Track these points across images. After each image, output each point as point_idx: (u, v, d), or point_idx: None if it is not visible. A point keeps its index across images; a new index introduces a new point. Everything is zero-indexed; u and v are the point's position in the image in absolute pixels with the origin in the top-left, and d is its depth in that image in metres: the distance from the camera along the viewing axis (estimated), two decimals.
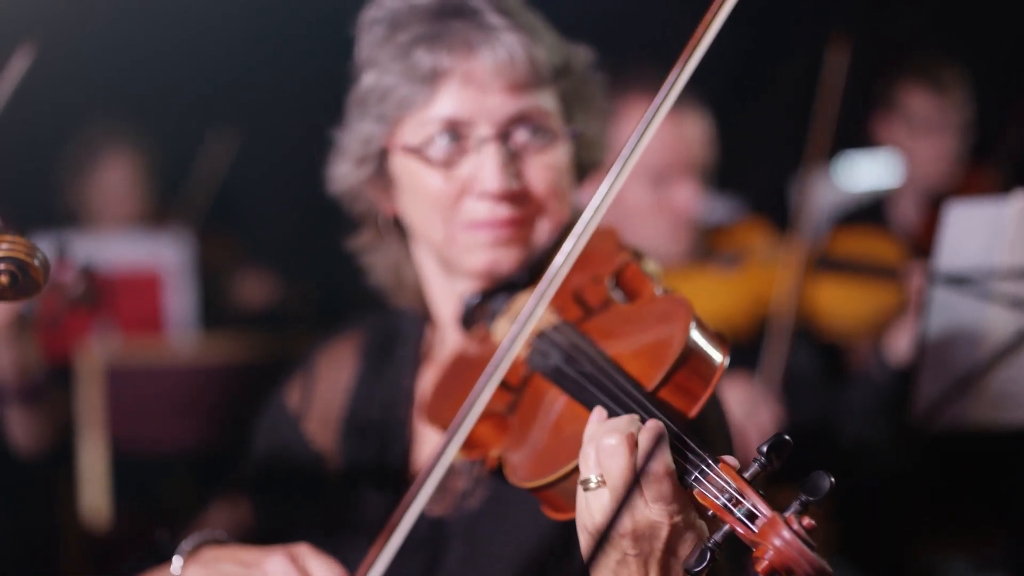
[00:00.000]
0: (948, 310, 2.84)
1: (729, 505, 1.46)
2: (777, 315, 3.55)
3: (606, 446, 1.53)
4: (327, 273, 6.16)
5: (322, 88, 5.91)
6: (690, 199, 3.52)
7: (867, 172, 5.91)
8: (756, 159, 6.03)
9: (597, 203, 1.62)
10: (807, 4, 6.33)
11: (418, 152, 2.01)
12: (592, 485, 1.55)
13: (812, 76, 3.80)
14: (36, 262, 1.86)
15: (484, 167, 1.98)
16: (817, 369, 3.70)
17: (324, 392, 2.24)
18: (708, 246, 3.78)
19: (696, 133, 3.57)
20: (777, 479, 1.59)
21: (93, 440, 4.25)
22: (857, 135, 4.88)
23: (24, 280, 1.87)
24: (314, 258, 6.23)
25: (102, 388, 4.32)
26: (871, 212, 4.65)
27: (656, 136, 3.63)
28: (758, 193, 5.23)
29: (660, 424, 1.54)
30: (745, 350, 3.50)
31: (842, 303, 3.82)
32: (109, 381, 4.35)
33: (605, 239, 2.00)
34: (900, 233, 4.37)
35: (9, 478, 3.13)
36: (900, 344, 3.44)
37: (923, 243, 3.99)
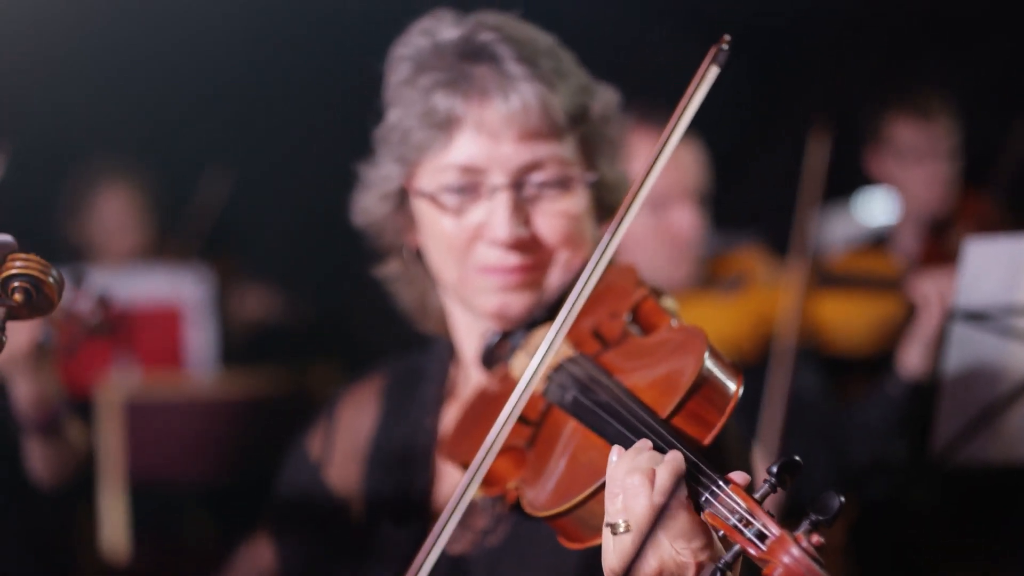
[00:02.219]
0: (967, 346, 2.83)
1: (739, 526, 1.47)
2: (781, 336, 3.59)
3: (629, 485, 1.54)
4: (324, 293, 6.25)
5: (320, 118, 5.94)
6: (689, 223, 3.60)
7: (885, 207, 5.93)
8: (765, 197, 6.06)
9: (604, 245, 1.69)
10: (817, 40, 6.36)
11: (432, 198, 2.04)
12: (620, 530, 1.55)
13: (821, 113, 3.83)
14: (50, 279, 1.87)
15: (495, 215, 2.00)
16: (823, 388, 3.74)
17: (345, 439, 2.26)
18: (708, 273, 3.83)
19: (691, 159, 3.65)
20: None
21: (112, 474, 4.26)
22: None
23: (38, 297, 1.88)
24: (311, 279, 6.31)
25: (121, 422, 4.34)
26: (877, 244, 4.70)
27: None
28: (767, 231, 5.26)
29: (678, 457, 1.56)
30: (750, 372, 3.52)
31: (846, 317, 3.85)
32: (128, 415, 4.37)
33: (623, 276, 2.01)
34: (903, 263, 4.40)
35: (29, 511, 3.13)
36: (911, 357, 3.48)
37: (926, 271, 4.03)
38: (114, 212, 5.43)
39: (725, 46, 1.74)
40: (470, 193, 2.02)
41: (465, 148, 2.00)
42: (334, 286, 5.60)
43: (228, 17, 5.98)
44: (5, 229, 1.93)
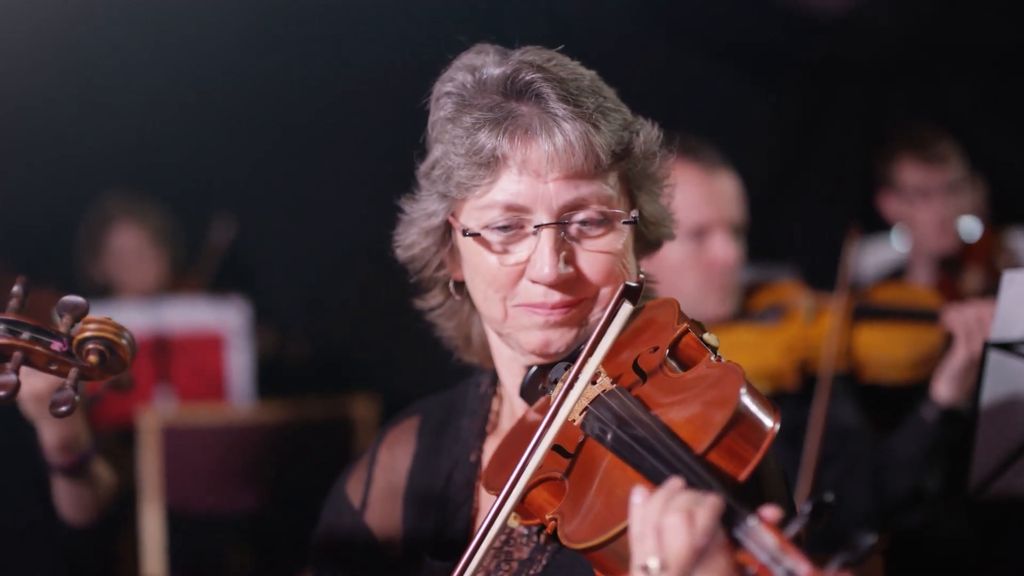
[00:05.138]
0: (1004, 377, 2.83)
1: (770, 563, 1.50)
2: (819, 367, 3.63)
3: (668, 525, 1.57)
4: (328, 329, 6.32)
5: (348, 145, 5.98)
6: (727, 252, 3.64)
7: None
8: (805, 231, 6.08)
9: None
10: (854, 74, 6.38)
11: (476, 235, 2.04)
12: (653, 570, 1.57)
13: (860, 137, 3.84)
14: (124, 341, 1.90)
15: (539, 253, 2.00)
16: (860, 418, 3.76)
17: (384, 480, 2.27)
18: (746, 305, 3.85)
19: (729, 189, 3.70)
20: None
21: (152, 500, 4.30)
22: None
23: (111, 359, 1.91)
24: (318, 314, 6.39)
25: (161, 449, 4.38)
26: (894, 277, 4.77)
27: (692, 194, 3.72)
28: (803, 263, 5.30)
29: (719, 500, 1.58)
30: (787, 403, 3.56)
31: (882, 347, 3.86)
32: (167, 442, 4.41)
33: (665, 310, 2.03)
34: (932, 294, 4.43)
35: (66, 542, 3.15)
36: (944, 386, 3.55)
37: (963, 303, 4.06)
38: (128, 245, 5.52)
39: (635, 283, 1.90)
40: (514, 231, 2.03)
41: (509, 187, 2.00)
42: (371, 318, 5.65)
43: (243, 54, 6.09)
44: (32, 269, 1.98)
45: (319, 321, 6.36)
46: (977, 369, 2.89)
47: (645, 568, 1.58)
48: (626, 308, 1.86)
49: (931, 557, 3.96)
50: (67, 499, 2.97)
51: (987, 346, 2.83)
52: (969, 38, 6.13)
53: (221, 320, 4.86)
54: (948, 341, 3.70)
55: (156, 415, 4.45)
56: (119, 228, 5.54)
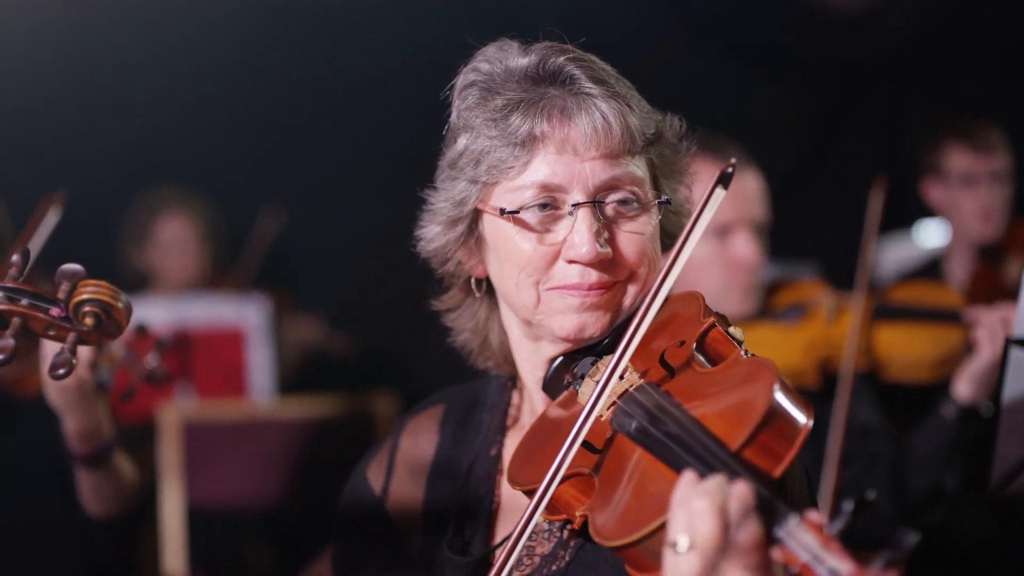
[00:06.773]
0: None
1: (813, 563, 1.49)
2: (841, 365, 3.63)
3: (696, 509, 1.57)
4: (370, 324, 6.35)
5: (376, 143, 5.98)
6: (750, 251, 3.64)
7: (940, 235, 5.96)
8: (823, 228, 6.08)
9: (667, 270, 1.76)
10: (875, 72, 6.37)
11: (511, 216, 2.02)
12: (681, 548, 1.57)
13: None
14: (120, 304, 1.92)
15: (576, 232, 1.99)
16: (881, 416, 3.76)
17: (406, 469, 2.26)
18: (768, 303, 3.85)
19: (753, 188, 3.70)
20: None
21: (172, 496, 4.32)
22: None
23: (108, 322, 1.93)
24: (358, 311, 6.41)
25: (181, 445, 4.40)
26: (929, 270, 4.75)
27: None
28: (825, 261, 5.29)
29: (749, 492, 1.57)
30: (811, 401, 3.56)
31: (904, 346, 3.86)
32: (188, 438, 4.42)
33: (689, 304, 2.02)
34: (957, 291, 4.43)
35: (88, 537, 3.17)
36: (964, 384, 3.58)
37: (975, 297, 4.06)
38: (174, 236, 5.56)
39: (730, 169, 1.85)
40: (551, 211, 2.02)
41: (545, 166, 1.99)
42: (391, 314, 5.67)
43: (284, 56, 6.11)
44: (73, 258, 2.00)
45: (340, 317, 6.38)
46: (999, 367, 2.89)
47: (674, 545, 1.58)
48: (719, 193, 1.86)
49: (951, 555, 3.96)
50: (89, 490, 3.00)
51: (1008, 343, 2.82)
52: (984, 37, 6.13)
53: (242, 316, 4.88)
54: (968, 342, 3.71)
55: (176, 411, 4.47)
56: (168, 218, 5.58)
